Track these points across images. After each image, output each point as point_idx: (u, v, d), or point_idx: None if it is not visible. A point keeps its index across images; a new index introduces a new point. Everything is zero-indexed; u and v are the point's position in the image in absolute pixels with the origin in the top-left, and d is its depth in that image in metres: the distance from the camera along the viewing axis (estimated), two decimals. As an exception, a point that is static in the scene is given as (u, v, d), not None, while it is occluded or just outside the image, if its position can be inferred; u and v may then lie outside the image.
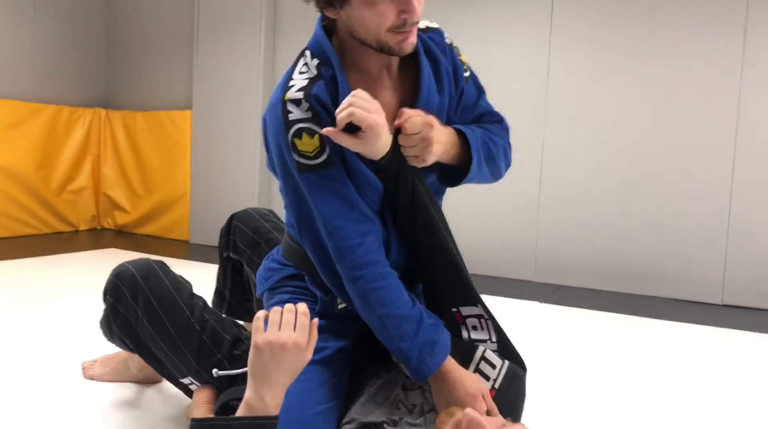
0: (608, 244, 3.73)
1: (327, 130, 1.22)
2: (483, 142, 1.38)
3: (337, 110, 1.22)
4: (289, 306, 1.13)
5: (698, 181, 3.52)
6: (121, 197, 5.28)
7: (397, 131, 1.27)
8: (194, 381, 1.59)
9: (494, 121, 1.47)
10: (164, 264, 1.63)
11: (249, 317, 1.91)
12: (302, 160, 1.26)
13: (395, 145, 1.28)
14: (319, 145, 1.25)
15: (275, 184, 4.69)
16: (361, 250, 1.25)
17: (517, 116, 3.86)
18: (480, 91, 1.46)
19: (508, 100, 3.90)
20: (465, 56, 1.44)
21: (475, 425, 1.04)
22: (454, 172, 1.38)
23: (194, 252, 4.56)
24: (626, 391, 2.09)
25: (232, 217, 1.87)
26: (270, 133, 1.33)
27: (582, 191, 3.80)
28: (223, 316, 1.65)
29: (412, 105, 1.33)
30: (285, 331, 1.09)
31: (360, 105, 1.19)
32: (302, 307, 1.13)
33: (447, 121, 1.37)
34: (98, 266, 3.79)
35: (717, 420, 1.89)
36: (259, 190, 4.69)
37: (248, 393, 1.11)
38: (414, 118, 1.25)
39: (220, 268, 1.92)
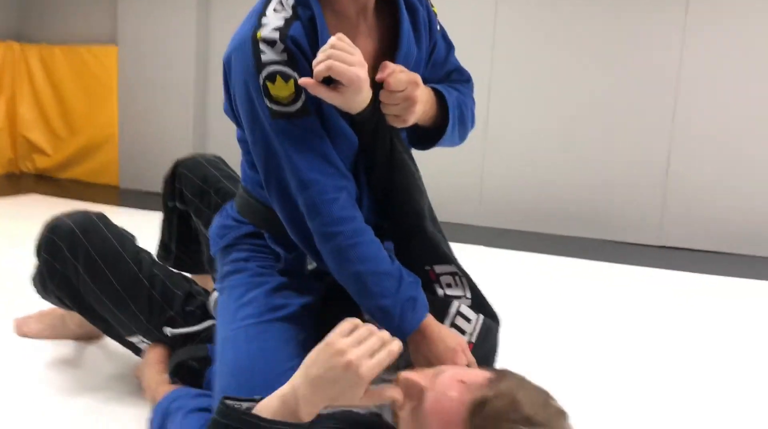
0: (552, 188, 3.77)
1: (303, 81, 1.11)
2: (457, 104, 1.32)
3: (315, 61, 1.11)
4: (384, 335, 0.93)
5: (639, 123, 3.57)
6: (41, 139, 4.92)
7: (379, 86, 1.16)
8: (144, 339, 1.50)
9: (463, 80, 1.41)
10: (104, 216, 1.51)
11: (198, 270, 1.81)
12: (275, 107, 1.15)
13: (375, 100, 1.18)
14: (294, 91, 1.14)
15: (212, 123, 4.47)
16: (337, 206, 1.17)
17: (463, 58, 3.79)
18: (449, 46, 1.39)
19: (454, 42, 3.80)
20: (437, 8, 1.34)
21: (411, 386, 1.00)
22: (426, 134, 1.31)
23: (125, 198, 4.34)
24: (572, 334, 2.14)
25: (176, 164, 1.73)
26: (235, 74, 1.20)
27: (526, 135, 3.80)
28: (172, 270, 1.56)
29: (391, 56, 1.23)
30: (359, 350, 0.90)
31: (340, 57, 1.08)
32: (396, 345, 0.93)
33: (422, 77, 1.28)
34: (21, 213, 3.57)
35: (659, 358, 1.95)
36: (193, 130, 4.45)
37: (288, 387, 0.95)
38: (399, 74, 1.15)
39: (164, 219, 1.79)
